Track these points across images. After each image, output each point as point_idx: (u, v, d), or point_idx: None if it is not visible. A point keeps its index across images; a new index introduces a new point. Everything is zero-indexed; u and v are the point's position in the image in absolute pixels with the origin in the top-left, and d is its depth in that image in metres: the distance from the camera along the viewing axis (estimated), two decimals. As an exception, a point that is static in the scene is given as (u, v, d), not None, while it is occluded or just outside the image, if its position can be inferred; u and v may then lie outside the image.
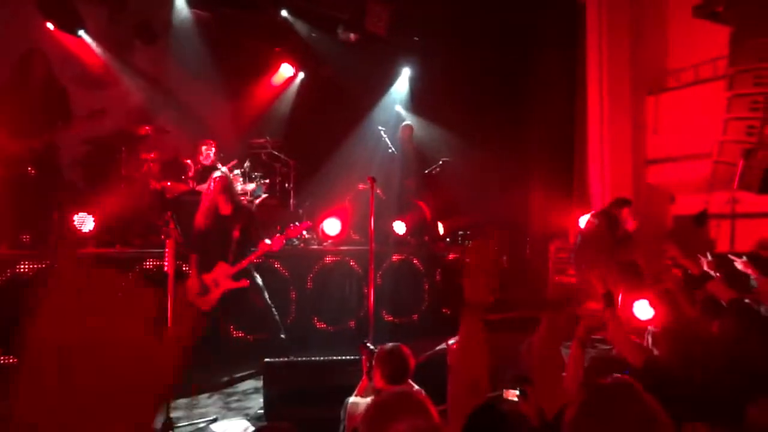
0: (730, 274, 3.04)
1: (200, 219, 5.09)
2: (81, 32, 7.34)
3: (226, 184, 5.12)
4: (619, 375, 1.34)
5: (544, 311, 2.39)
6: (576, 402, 1.25)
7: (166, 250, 3.74)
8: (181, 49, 8.20)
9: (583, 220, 6.85)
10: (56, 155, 5.76)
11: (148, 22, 7.77)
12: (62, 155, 6.00)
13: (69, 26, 7.20)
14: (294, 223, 5.39)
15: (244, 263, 5.01)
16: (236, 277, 4.99)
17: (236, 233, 5.04)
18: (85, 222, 5.52)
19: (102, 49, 7.61)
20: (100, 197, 6.11)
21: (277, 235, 5.07)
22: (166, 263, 3.73)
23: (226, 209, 5.08)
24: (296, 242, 6.79)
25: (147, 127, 6.89)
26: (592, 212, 6.68)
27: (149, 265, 5.42)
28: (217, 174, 5.26)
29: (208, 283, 4.97)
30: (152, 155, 6.83)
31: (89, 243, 5.62)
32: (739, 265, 2.89)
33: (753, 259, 2.86)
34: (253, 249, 5.11)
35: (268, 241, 5.05)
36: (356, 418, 2.79)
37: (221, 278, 4.97)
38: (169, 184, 6.77)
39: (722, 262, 3.35)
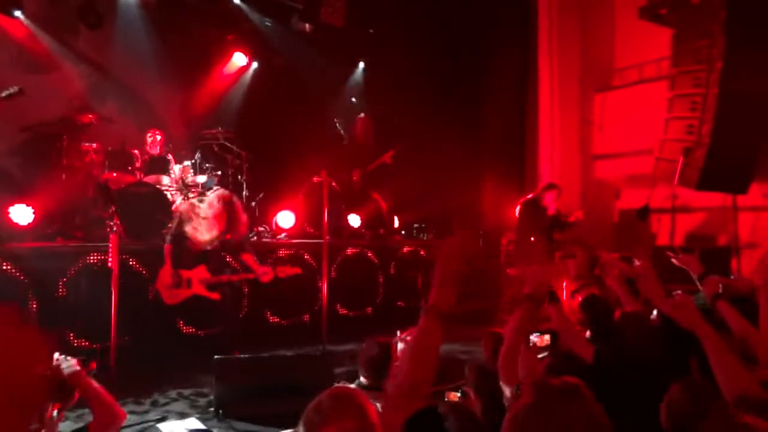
0: (669, 269, 3.18)
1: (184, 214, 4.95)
2: (18, 13, 6.93)
3: (230, 208, 4.96)
4: (569, 377, 1.36)
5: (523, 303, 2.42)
6: (523, 401, 1.27)
7: (110, 244, 3.60)
8: (127, 34, 7.86)
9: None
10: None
11: (92, 5, 7.39)
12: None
13: (4, 6, 6.78)
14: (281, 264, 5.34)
15: (224, 279, 4.92)
16: (211, 287, 4.88)
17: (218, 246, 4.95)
18: (23, 214, 5.24)
19: (42, 32, 7.21)
20: (39, 188, 5.81)
21: (269, 268, 5.00)
22: (110, 258, 3.59)
23: (218, 229, 4.91)
24: (250, 235, 6.68)
25: (90, 116, 6.59)
26: (523, 198, 6.92)
27: (93, 259, 5.21)
28: (221, 194, 5.09)
29: (182, 279, 4.85)
30: (95, 145, 6.55)
31: (28, 236, 5.35)
32: (675, 261, 3.03)
33: (687, 252, 3.01)
34: (234, 260, 5.01)
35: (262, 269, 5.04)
36: None
37: (196, 282, 4.86)
38: (115, 174, 6.51)
39: (660, 257, 3.51)
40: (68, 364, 2.37)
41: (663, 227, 7.15)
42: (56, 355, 2.39)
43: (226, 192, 5.17)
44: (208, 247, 4.91)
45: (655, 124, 6.61)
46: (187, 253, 4.88)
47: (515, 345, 2.30)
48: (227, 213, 4.87)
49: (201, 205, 4.96)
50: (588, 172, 8.83)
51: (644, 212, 6.90)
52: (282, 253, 6.52)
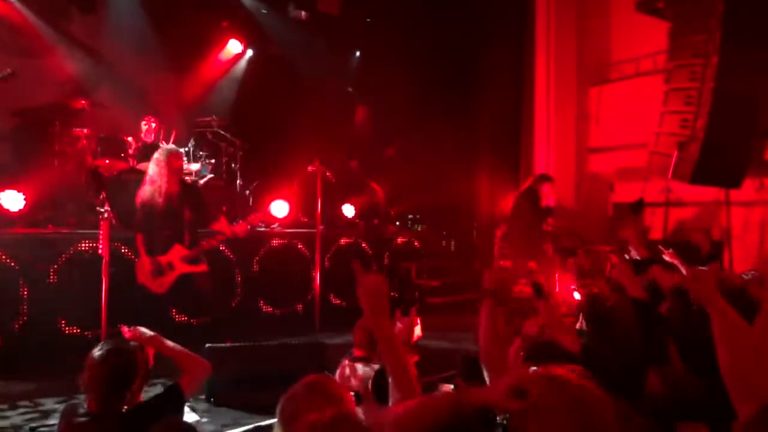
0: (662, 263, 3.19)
1: (146, 197, 4.82)
2: (8, -5, 6.84)
3: (174, 161, 4.86)
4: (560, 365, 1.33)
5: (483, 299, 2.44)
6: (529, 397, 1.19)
7: (101, 232, 3.57)
8: (121, 19, 7.78)
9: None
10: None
11: (86, -11, 7.32)
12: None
13: (-5, -11, 6.69)
14: (253, 209, 5.22)
15: (205, 246, 4.83)
16: (194, 261, 4.81)
17: (187, 213, 4.84)
18: (14, 200, 5.18)
19: (34, 16, 7.11)
20: (30, 174, 5.75)
21: (241, 221, 4.90)
22: (101, 245, 3.56)
23: (173, 187, 4.81)
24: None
25: (83, 101, 6.53)
26: (517, 190, 6.90)
27: (84, 246, 5.17)
28: (163, 150, 5.00)
29: (162, 265, 4.75)
30: (87, 131, 6.48)
31: (19, 223, 5.30)
32: (666, 256, 3.03)
33: (679, 247, 3.02)
34: (206, 231, 4.92)
35: (229, 223, 4.87)
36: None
37: (177, 261, 4.76)
38: (107, 161, 6.46)
39: (652, 251, 3.51)
40: (143, 330, 2.43)
41: (656, 220, 7.17)
42: (125, 328, 2.42)
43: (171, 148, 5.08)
44: (165, 203, 4.77)
45: (651, 117, 6.60)
46: (158, 237, 4.78)
47: (487, 341, 2.31)
48: (168, 165, 4.78)
49: (149, 169, 4.89)
50: (583, 165, 8.84)
51: (639, 205, 6.92)
52: (275, 242, 6.50)
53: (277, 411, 1.53)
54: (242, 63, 9.03)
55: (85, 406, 2.18)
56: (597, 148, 8.75)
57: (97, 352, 2.20)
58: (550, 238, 6.68)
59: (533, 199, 6.43)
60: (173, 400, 2.36)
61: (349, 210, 7.48)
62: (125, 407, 2.18)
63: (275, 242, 6.50)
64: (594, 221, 8.05)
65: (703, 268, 2.69)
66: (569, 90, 8.71)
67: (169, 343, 2.50)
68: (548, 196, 6.42)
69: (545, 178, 6.58)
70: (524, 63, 8.99)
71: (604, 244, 6.91)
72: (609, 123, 8.51)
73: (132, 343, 2.33)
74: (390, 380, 1.71)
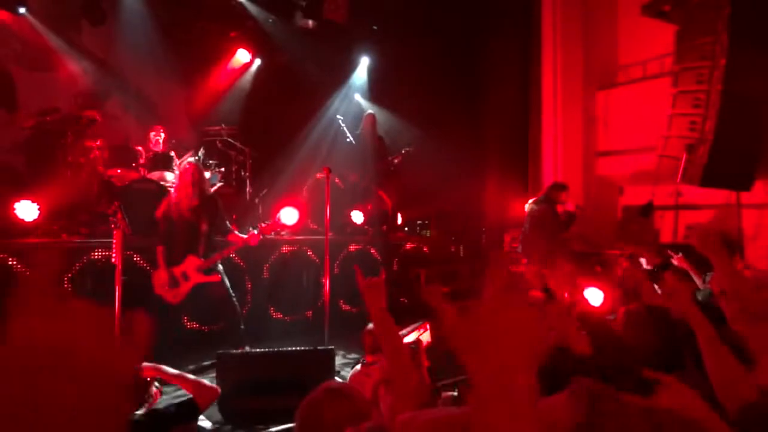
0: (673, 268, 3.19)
1: (170, 210, 4.91)
2: (22, 10, 6.97)
3: (197, 174, 4.94)
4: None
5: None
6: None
7: (114, 240, 3.62)
8: (131, 31, 7.89)
9: (527, 207, 7.08)
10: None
11: (96, 2, 7.44)
12: (2, 139, 5.70)
13: (9, 3, 6.83)
14: (264, 219, 5.30)
15: (218, 257, 4.91)
16: (208, 271, 4.89)
17: (204, 225, 4.92)
18: (29, 210, 5.27)
19: (46, 29, 7.25)
20: (44, 184, 5.85)
21: (253, 231, 4.96)
22: (113, 254, 3.61)
23: (195, 200, 4.90)
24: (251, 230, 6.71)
25: (94, 112, 6.63)
26: (533, 198, 6.89)
27: (97, 255, 5.24)
28: (186, 163, 5.07)
29: (177, 276, 4.83)
30: (98, 141, 6.58)
31: (33, 232, 5.39)
32: (675, 261, 3.02)
33: (687, 252, 3.01)
34: (222, 241, 5.00)
35: (240, 234, 4.95)
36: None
37: (191, 272, 4.84)
38: (119, 171, 6.54)
39: (661, 257, 3.50)
40: (165, 369, 2.53)
41: (666, 224, 7.13)
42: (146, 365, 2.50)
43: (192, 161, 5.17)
44: (184, 216, 4.88)
45: (659, 120, 6.59)
46: (176, 249, 4.87)
47: None
48: (192, 177, 4.88)
49: (174, 183, 4.99)
50: (591, 169, 8.82)
51: (648, 209, 6.90)
52: (285, 249, 6.55)
53: (297, 416, 1.55)
54: (251, 72, 9.12)
55: None
56: (605, 152, 8.73)
57: None
58: (566, 245, 6.70)
59: (552, 207, 6.43)
60: (188, 412, 2.39)
61: (357, 216, 7.51)
62: (137, 413, 2.20)
63: (285, 249, 6.55)
64: (603, 225, 8.02)
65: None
66: (576, 94, 8.71)
67: (190, 377, 2.60)
68: (567, 203, 6.47)
69: (563, 186, 6.60)
70: (531, 67, 9.01)
71: (613, 249, 6.89)
72: (617, 126, 8.50)
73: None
74: (389, 369, 1.74)
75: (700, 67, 5.81)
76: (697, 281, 2.86)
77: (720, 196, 6.67)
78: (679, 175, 5.97)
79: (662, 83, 7.22)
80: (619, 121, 8.46)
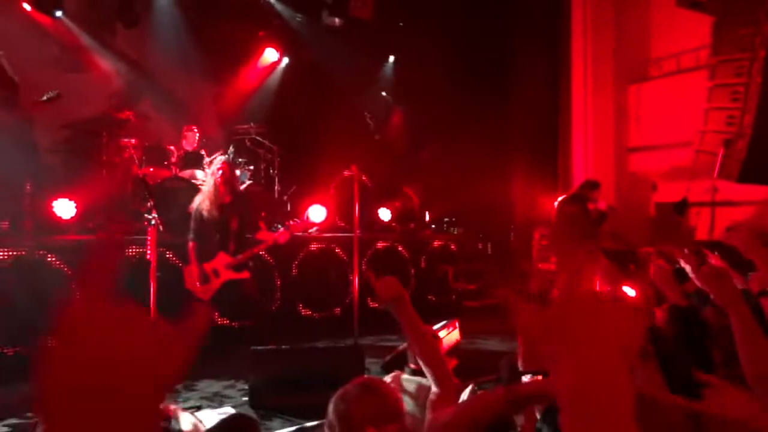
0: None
1: (201, 207, 5.00)
2: (59, 13, 7.17)
3: (228, 172, 5.03)
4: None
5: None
6: None
7: (148, 237, 3.70)
8: (163, 32, 8.06)
9: (557, 204, 6.99)
10: (35, 140, 5.64)
11: (130, 4, 7.60)
12: (41, 139, 5.88)
13: (46, 7, 7.02)
14: (293, 217, 5.36)
15: (248, 255, 4.98)
16: (238, 268, 4.97)
17: (235, 223, 5.00)
18: (66, 208, 5.43)
19: (81, 31, 7.44)
20: (80, 183, 6.01)
21: (283, 229, 5.01)
22: (148, 251, 3.69)
23: (226, 198, 5.00)
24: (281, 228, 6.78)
25: (128, 112, 6.78)
26: (564, 196, 6.79)
27: (131, 252, 5.36)
28: (217, 161, 5.16)
29: (208, 272, 4.93)
30: (134, 141, 6.73)
31: (70, 230, 5.54)
32: (711, 260, 2.93)
33: (724, 251, 2.91)
34: (251, 238, 5.07)
35: (270, 231, 5.02)
36: None
37: (222, 268, 4.93)
38: (151, 170, 6.68)
39: (697, 255, 3.40)
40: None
41: (702, 221, 6.94)
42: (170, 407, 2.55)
43: (223, 159, 5.24)
44: (215, 213, 4.95)
45: (694, 115, 6.42)
46: (207, 245, 4.95)
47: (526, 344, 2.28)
48: (224, 175, 4.94)
49: (205, 181, 5.09)
50: (623, 165, 8.64)
51: (682, 205, 6.72)
52: (313, 247, 6.60)
53: (329, 410, 1.57)
54: (279, 71, 9.21)
55: None
56: (637, 147, 8.54)
57: None
58: (598, 243, 6.58)
59: (583, 205, 6.35)
60: None
61: (385, 214, 7.52)
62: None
63: (313, 247, 6.59)
64: (635, 222, 7.86)
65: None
66: (607, 88, 8.54)
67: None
68: (599, 202, 6.37)
69: (595, 184, 6.51)
70: (560, 61, 8.86)
71: (646, 246, 6.73)
72: (650, 121, 8.30)
73: None
74: (422, 364, 1.74)
75: (739, 59, 5.64)
76: (737, 281, 2.78)
77: (759, 192, 6.46)
78: (716, 171, 5.81)
79: (697, 76, 7.03)
80: (651, 115, 8.26)
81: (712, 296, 1.91)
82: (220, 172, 4.95)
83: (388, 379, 3.07)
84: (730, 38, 5.77)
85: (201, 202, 4.99)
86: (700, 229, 7.16)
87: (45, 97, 5.53)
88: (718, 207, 6.68)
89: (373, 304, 6.91)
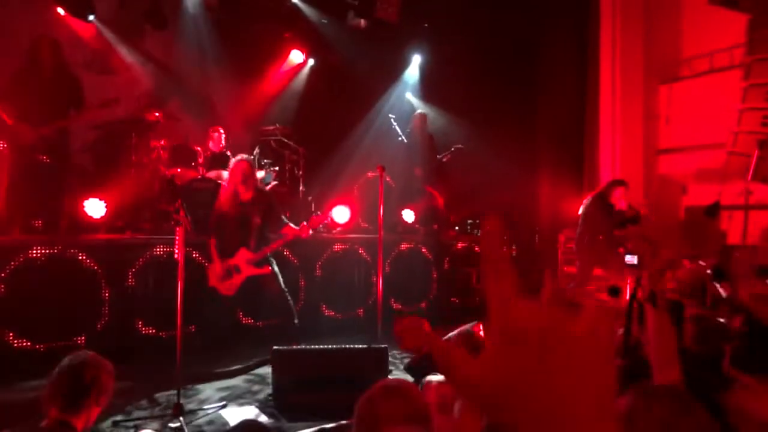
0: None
1: (221, 204, 5.09)
2: (91, 17, 7.35)
3: (248, 169, 5.10)
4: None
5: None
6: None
7: (176, 237, 3.76)
8: (191, 34, 8.20)
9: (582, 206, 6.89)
10: (67, 141, 5.78)
11: (159, 7, 7.75)
12: (73, 140, 6.02)
13: (80, 11, 7.21)
14: (316, 212, 5.40)
15: (267, 250, 5.03)
16: (259, 263, 5.02)
17: (257, 219, 5.06)
18: (97, 208, 5.55)
19: (112, 35, 7.61)
20: (110, 183, 6.14)
21: (304, 223, 5.05)
22: (176, 250, 3.74)
23: (246, 195, 5.07)
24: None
25: (157, 114, 6.90)
26: (588, 196, 6.71)
27: (159, 251, 5.46)
28: (237, 159, 5.24)
29: (230, 268, 5.00)
30: (162, 142, 6.85)
31: (100, 229, 5.67)
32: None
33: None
34: (273, 235, 5.12)
35: (294, 226, 5.05)
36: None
37: (243, 264, 4.99)
38: (179, 170, 6.79)
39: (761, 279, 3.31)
40: None
41: (735, 225, 6.76)
42: None
43: (243, 157, 5.28)
44: (236, 209, 5.01)
45: (727, 115, 6.25)
46: (228, 241, 5.01)
47: None
48: (243, 172, 5.00)
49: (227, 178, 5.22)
50: (652, 167, 8.46)
51: (714, 209, 6.55)
52: (337, 247, 6.62)
53: (355, 411, 1.57)
54: (304, 72, 9.27)
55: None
56: (667, 149, 8.36)
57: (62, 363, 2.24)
58: (617, 243, 6.46)
59: (605, 204, 6.26)
60: None
61: (409, 215, 7.50)
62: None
63: (337, 247, 6.61)
64: (665, 225, 7.68)
65: None
66: (636, 88, 8.37)
67: None
68: (620, 201, 6.24)
69: (619, 182, 6.40)
70: (588, 60, 8.71)
71: (676, 251, 6.58)
72: (680, 122, 8.11)
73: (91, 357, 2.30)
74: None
75: (775, 58, 5.47)
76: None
77: (795, 195, 6.27)
78: (750, 173, 5.65)
79: (731, 76, 6.85)
80: (682, 116, 8.07)
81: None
82: (240, 168, 5.02)
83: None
84: (766, 36, 5.61)
85: (220, 198, 5.08)
86: (731, 234, 6.97)
87: (104, 104, 5.69)
88: (751, 211, 6.49)
89: (396, 305, 6.91)
